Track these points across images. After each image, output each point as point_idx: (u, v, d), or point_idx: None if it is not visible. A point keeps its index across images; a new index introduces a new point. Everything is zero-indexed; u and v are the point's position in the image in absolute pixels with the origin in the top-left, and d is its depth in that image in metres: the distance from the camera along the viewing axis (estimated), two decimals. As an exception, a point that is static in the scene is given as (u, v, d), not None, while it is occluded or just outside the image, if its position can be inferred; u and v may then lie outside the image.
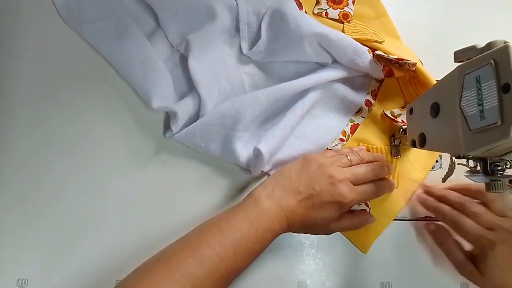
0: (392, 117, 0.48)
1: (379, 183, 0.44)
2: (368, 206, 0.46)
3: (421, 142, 0.39)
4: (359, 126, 0.50)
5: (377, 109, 0.50)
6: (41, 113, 0.49)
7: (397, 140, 0.47)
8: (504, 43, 0.30)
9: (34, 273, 0.44)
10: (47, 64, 0.50)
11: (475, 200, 0.44)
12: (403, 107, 0.49)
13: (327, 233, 0.44)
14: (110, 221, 0.46)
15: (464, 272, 0.45)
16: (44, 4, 0.50)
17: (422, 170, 0.49)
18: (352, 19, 0.51)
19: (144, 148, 0.48)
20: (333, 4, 0.51)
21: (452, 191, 0.46)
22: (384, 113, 0.48)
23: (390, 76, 0.48)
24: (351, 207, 0.42)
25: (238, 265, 0.38)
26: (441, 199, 0.46)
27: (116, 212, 0.47)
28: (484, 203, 0.44)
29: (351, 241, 0.47)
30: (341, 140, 0.49)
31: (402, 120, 0.47)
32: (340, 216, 0.42)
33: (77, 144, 0.48)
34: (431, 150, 0.42)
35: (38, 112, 0.49)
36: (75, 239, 0.45)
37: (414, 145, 0.41)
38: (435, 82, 0.45)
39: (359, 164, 0.44)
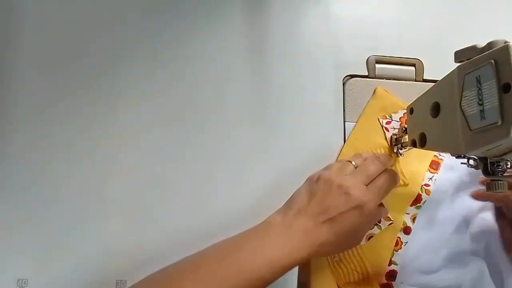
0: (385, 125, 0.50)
1: (390, 171, 0.43)
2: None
3: (422, 142, 0.39)
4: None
5: None
6: (42, 112, 0.48)
7: (399, 139, 0.46)
8: (505, 42, 0.29)
9: (34, 273, 0.44)
10: (47, 64, 0.50)
11: None
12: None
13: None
14: (111, 221, 0.46)
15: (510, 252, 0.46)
16: (45, 5, 0.50)
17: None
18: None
19: (146, 147, 0.48)
20: None
21: None
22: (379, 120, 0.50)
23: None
24: (375, 208, 0.40)
25: None
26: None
27: (117, 211, 0.46)
28: None
29: None
30: None
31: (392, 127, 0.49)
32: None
33: (77, 142, 0.48)
34: (431, 150, 0.42)
35: (39, 111, 0.49)
36: (75, 238, 0.45)
37: (414, 145, 0.41)
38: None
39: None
